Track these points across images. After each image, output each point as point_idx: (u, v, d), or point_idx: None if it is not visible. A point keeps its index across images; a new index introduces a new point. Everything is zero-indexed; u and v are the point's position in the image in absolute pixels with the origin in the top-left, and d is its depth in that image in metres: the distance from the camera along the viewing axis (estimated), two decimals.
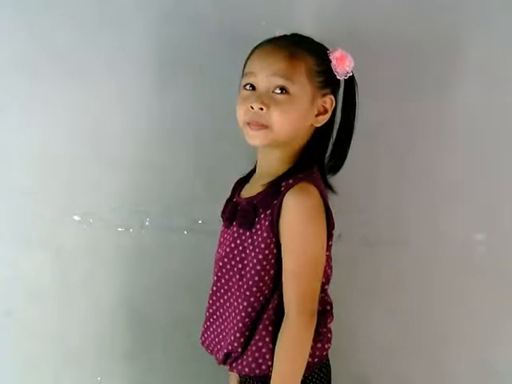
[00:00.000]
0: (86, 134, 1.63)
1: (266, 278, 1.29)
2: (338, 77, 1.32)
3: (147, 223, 1.67)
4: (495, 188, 1.66)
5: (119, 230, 1.66)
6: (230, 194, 1.43)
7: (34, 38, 1.59)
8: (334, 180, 1.64)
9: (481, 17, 1.59)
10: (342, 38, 1.56)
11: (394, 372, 1.73)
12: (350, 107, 1.36)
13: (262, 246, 1.28)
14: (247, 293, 1.30)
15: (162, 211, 1.65)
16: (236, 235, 1.32)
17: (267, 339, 1.29)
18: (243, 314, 1.30)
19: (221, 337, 1.37)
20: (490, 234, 1.67)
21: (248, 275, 1.30)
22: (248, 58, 1.33)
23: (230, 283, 1.34)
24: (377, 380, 1.73)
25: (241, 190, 1.39)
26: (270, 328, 1.29)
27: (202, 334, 1.42)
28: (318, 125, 1.33)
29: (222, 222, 1.40)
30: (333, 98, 1.33)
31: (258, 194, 1.31)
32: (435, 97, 1.63)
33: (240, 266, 1.32)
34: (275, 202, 1.27)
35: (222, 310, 1.37)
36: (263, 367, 1.29)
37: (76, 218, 1.66)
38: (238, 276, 1.32)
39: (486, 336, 1.71)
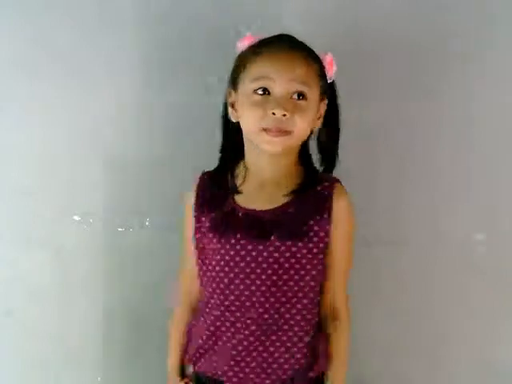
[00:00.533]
0: (86, 134, 1.64)
1: (319, 281, 1.33)
2: (328, 80, 1.32)
3: (147, 223, 1.67)
4: (495, 188, 1.66)
5: (119, 229, 1.66)
6: (202, 202, 1.35)
7: (34, 38, 1.59)
8: None
9: (481, 16, 1.59)
10: (341, 38, 1.57)
11: (394, 372, 1.72)
12: (336, 110, 1.37)
13: (315, 250, 1.29)
14: (305, 301, 1.30)
15: (161, 211, 1.65)
16: (284, 248, 1.27)
17: (322, 338, 1.36)
18: (303, 324, 1.30)
19: (270, 360, 1.30)
20: (490, 234, 1.67)
21: (308, 284, 1.30)
22: (251, 60, 1.27)
23: (284, 299, 1.29)
24: (377, 380, 1.73)
25: (233, 201, 1.32)
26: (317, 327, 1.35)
27: (234, 376, 1.31)
28: (316, 128, 1.34)
29: (221, 238, 1.30)
30: (326, 102, 1.34)
31: (294, 202, 1.29)
32: (435, 97, 1.63)
33: (297, 277, 1.28)
34: (326, 205, 1.29)
35: (269, 333, 1.29)
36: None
37: (76, 217, 1.66)
38: (296, 288, 1.29)
39: (486, 336, 1.71)
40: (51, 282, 1.68)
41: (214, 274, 1.31)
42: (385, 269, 1.69)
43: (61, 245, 1.66)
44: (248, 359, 1.30)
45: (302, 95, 1.25)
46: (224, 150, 1.38)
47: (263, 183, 1.32)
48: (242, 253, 1.28)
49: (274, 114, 1.22)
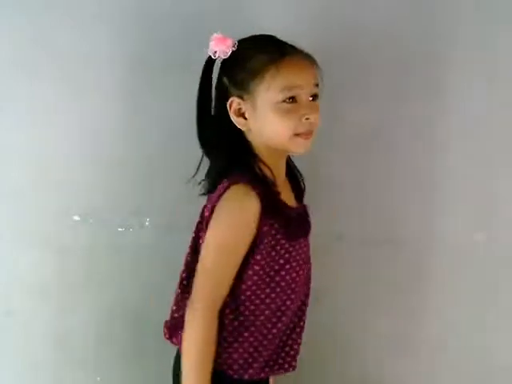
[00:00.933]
0: (86, 134, 1.64)
1: None
2: None
3: (147, 223, 1.67)
4: (495, 188, 1.66)
5: (119, 229, 1.66)
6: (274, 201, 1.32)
7: (34, 37, 1.59)
8: (334, 180, 1.65)
9: (477, 16, 1.59)
10: (342, 39, 1.57)
11: (394, 372, 1.72)
12: None
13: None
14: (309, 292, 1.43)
15: (162, 211, 1.66)
16: (306, 241, 1.41)
17: None
18: (305, 319, 1.42)
19: (287, 349, 1.39)
20: (490, 234, 1.67)
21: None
22: (272, 71, 1.27)
23: (307, 290, 1.43)
24: (376, 380, 1.73)
25: (281, 200, 1.34)
26: None
27: (283, 366, 1.39)
28: None
29: (289, 236, 1.32)
30: None
31: (298, 200, 1.43)
32: (435, 97, 1.63)
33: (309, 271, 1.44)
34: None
35: (297, 320, 1.40)
36: None
37: (76, 217, 1.66)
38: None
39: (485, 336, 1.71)
40: (51, 282, 1.68)
41: (287, 277, 1.34)
42: (384, 269, 1.69)
43: (61, 245, 1.66)
44: (286, 348, 1.39)
45: (316, 96, 1.33)
46: (228, 157, 1.35)
47: (283, 183, 1.39)
48: (300, 251, 1.37)
49: (307, 119, 1.29)
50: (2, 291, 1.69)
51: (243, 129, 1.33)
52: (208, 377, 1.29)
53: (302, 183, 1.47)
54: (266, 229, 1.28)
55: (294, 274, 1.35)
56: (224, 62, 1.33)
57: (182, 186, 1.53)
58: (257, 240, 1.28)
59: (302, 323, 1.41)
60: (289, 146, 1.32)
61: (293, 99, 1.29)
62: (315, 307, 1.65)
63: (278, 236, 1.30)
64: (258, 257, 1.29)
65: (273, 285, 1.33)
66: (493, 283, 1.69)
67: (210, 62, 1.35)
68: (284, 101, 1.28)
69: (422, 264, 1.68)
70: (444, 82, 1.62)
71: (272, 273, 1.32)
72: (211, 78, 1.36)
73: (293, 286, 1.35)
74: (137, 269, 1.68)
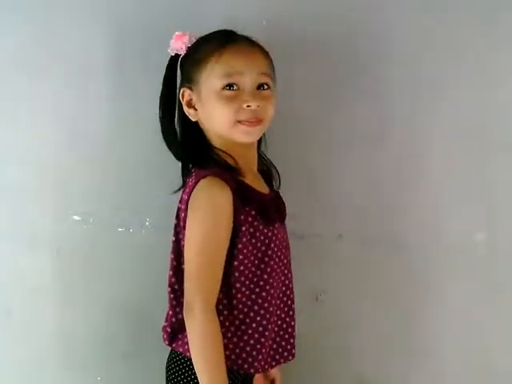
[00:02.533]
0: (87, 134, 1.64)
1: None
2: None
3: (147, 223, 1.67)
4: (495, 188, 1.66)
5: (119, 229, 1.66)
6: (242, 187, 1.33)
7: (34, 37, 1.59)
8: (334, 180, 1.65)
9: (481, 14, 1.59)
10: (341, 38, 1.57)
11: (394, 372, 1.72)
12: None
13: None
14: (293, 279, 1.43)
15: (161, 211, 1.65)
16: (285, 229, 1.44)
17: None
18: (294, 305, 1.43)
19: (287, 337, 1.41)
20: (490, 234, 1.67)
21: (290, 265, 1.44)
22: (214, 58, 1.31)
23: (290, 275, 1.44)
24: (376, 380, 1.73)
25: (252, 188, 1.36)
26: None
27: (266, 360, 1.37)
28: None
29: (264, 220, 1.34)
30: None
31: (270, 186, 1.45)
32: (434, 97, 1.63)
33: (289, 255, 1.45)
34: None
35: (286, 309, 1.42)
36: None
37: (76, 217, 1.66)
38: (289, 265, 1.44)
39: (485, 336, 1.70)
40: (51, 282, 1.68)
41: (271, 262, 1.36)
42: (384, 269, 1.69)
43: (61, 245, 1.66)
44: (286, 336, 1.41)
45: (266, 85, 1.34)
46: (187, 148, 1.41)
47: (252, 172, 1.41)
48: (279, 235, 1.38)
49: (249, 106, 1.30)
50: (1, 291, 1.69)
51: (194, 119, 1.38)
52: (224, 374, 1.28)
53: (273, 170, 1.49)
54: (242, 217, 1.30)
55: (277, 259, 1.37)
56: (181, 57, 1.39)
57: (181, 185, 1.52)
58: (236, 229, 1.29)
59: (293, 305, 1.43)
60: (232, 133, 1.33)
61: (235, 87, 1.31)
62: (315, 307, 1.65)
63: (256, 222, 1.32)
64: (240, 245, 1.30)
65: (259, 272, 1.34)
66: (493, 283, 1.68)
67: (171, 59, 1.41)
68: (224, 88, 1.31)
69: (422, 264, 1.68)
70: (444, 82, 1.62)
71: (256, 261, 1.34)
72: (175, 75, 1.41)
73: (278, 270, 1.37)
74: (137, 269, 1.68)
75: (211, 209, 1.27)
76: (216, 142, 1.38)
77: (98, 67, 1.61)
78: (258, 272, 1.34)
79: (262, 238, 1.34)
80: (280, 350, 1.40)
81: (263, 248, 1.34)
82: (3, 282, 1.69)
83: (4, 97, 1.62)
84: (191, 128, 1.39)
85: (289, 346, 1.41)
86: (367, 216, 1.67)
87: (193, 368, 1.30)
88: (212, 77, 1.31)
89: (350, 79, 1.62)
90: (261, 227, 1.33)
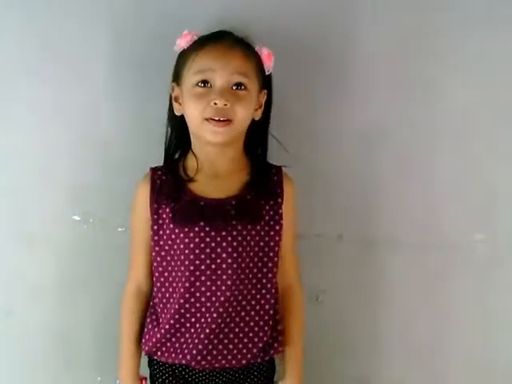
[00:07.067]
0: (87, 134, 1.64)
1: (276, 262, 1.40)
2: (266, 73, 1.40)
3: None
4: (495, 188, 1.66)
5: (119, 230, 1.66)
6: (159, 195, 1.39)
7: (35, 38, 1.59)
8: (334, 180, 1.65)
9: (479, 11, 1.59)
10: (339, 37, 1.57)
11: (394, 372, 1.72)
12: (269, 101, 1.45)
13: (272, 233, 1.38)
14: (264, 281, 1.38)
15: None
16: (245, 233, 1.35)
17: (279, 317, 1.43)
18: (264, 303, 1.38)
19: (236, 341, 1.37)
20: (490, 234, 1.67)
21: (267, 266, 1.38)
22: (193, 55, 1.34)
23: (247, 281, 1.36)
24: (376, 380, 1.73)
25: (191, 191, 1.37)
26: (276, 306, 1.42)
27: (203, 359, 1.36)
28: (257, 118, 1.41)
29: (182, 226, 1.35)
30: (265, 92, 1.43)
31: (248, 189, 1.38)
32: (433, 97, 1.63)
33: (258, 259, 1.37)
34: (278, 190, 1.40)
35: (234, 315, 1.36)
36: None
37: (76, 217, 1.66)
38: (255, 270, 1.37)
39: (485, 336, 1.71)
40: (51, 282, 1.68)
41: (178, 263, 1.35)
42: (384, 269, 1.69)
43: (61, 245, 1.66)
44: (216, 341, 1.35)
45: (241, 85, 1.33)
46: (170, 143, 1.46)
47: (216, 174, 1.40)
48: (207, 239, 1.33)
49: (215, 104, 1.30)
50: (2, 291, 1.69)
51: (178, 114, 1.41)
52: (128, 351, 1.43)
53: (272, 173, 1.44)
54: (160, 211, 1.37)
55: (187, 262, 1.34)
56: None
57: None
58: (151, 222, 1.38)
59: (237, 319, 1.36)
60: (202, 132, 1.34)
61: (208, 84, 1.32)
62: (315, 307, 1.65)
63: (168, 221, 1.35)
64: (155, 237, 1.39)
65: (160, 269, 1.39)
66: (493, 283, 1.69)
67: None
68: (197, 84, 1.33)
69: (422, 264, 1.68)
70: (444, 82, 1.62)
71: (158, 258, 1.38)
72: None
73: (197, 273, 1.34)
74: None
75: (134, 197, 1.43)
76: (192, 138, 1.42)
77: (98, 67, 1.61)
78: (160, 269, 1.40)
79: (165, 237, 1.37)
80: (215, 352, 1.36)
81: (166, 247, 1.37)
82: (3, 282, 1.68)
83: (4, 97, 1.62)
84: (177, 123, 1.44)
85: (225, 351, 1.36)
86: (367, 216, 1.67)
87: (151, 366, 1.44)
88: (189, 73, 1.35)
89: (350, 79, 1.62)
90: (171, 226, 1.35)
